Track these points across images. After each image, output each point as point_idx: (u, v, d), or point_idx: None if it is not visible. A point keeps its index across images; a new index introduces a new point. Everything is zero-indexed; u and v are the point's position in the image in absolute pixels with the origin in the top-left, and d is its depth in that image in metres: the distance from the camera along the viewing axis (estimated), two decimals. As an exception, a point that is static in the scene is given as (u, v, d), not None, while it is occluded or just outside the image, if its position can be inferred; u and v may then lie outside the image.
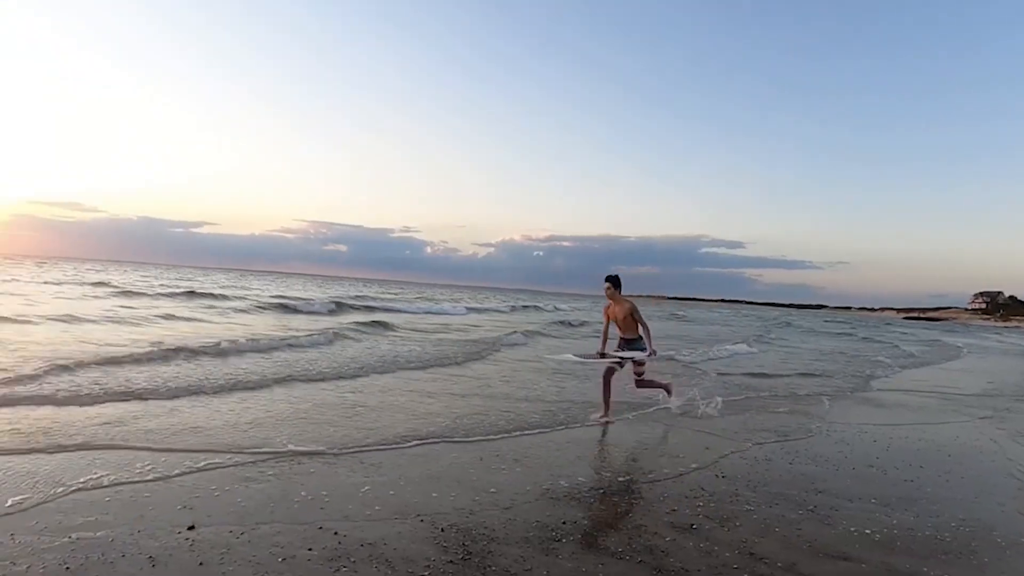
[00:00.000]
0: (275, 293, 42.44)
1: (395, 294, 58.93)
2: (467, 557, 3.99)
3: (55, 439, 5.98)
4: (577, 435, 7.55)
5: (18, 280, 36.81)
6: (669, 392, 9.21)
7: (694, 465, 6.41)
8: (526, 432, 7.45)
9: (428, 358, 13.87)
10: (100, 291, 31.82)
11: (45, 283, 36.75)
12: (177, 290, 36.72)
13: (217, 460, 5.69)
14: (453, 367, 12.85)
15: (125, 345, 12.42)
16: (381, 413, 7.97)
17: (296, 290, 51.13)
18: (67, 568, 3.61)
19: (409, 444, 6.64)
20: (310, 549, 4.01)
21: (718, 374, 14.17)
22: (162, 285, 42.60)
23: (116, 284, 39.32)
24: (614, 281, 8.55)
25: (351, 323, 21.40)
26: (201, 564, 3.73)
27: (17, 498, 4.57)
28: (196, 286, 44.27)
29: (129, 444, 5.98)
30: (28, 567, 3.59)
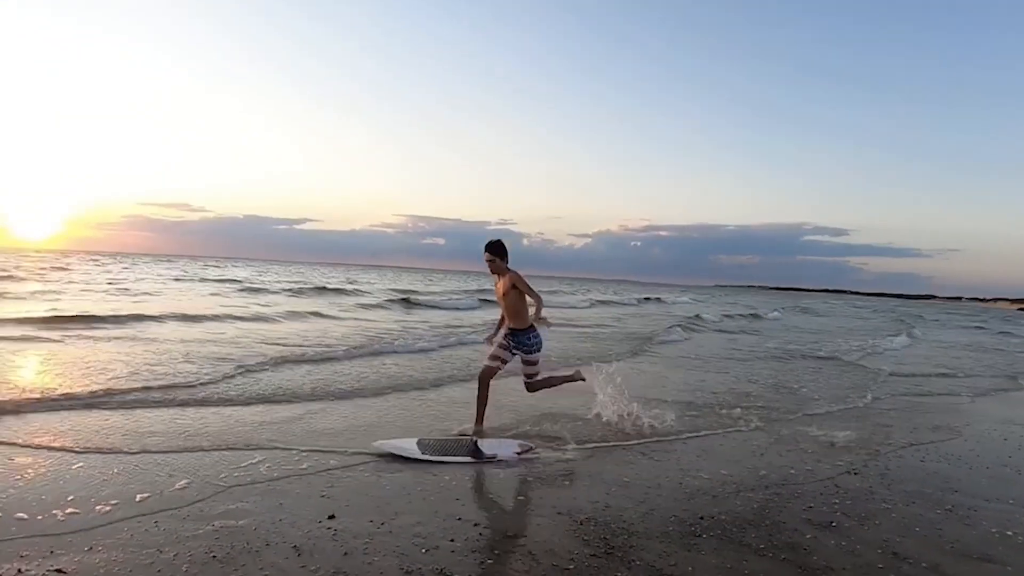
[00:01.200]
0: (398, 287, 43.18)
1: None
2: (609, 551, 3.84)
3: (212, 438, 6.04)
4: (713, 436, 7.15)
5: (144, 279, 37.82)
6: (579, 377, 7.26)
7: (826, 462, 6.12)
8: (674, 437, 6.96)
9: (587, 354, 13.65)
10: (226, 288, 32.95)
11: (176, 280, 38.11)
12: (306, 285, 37.62)
13: (360, 455, 5.67)
14: (614, 364, 12.46)
15: (283, 344, 12.67)
16: (525, 410, 7.71)
17: (414, 284, 51.71)
18: (213, 556, 3.59)
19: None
20: (452, 540, 3.93)
21: (890, 374, 13.25)
22: (289, 281, 43.58)
23: (237, 280, 40.62)
24: (495, 249, 6.65)
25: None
26: (346, 554, 3.67)
27: (162, 491, 4.62)
28: (312, 281, 45.17)
29: (279, 444, 5.94)
30: (175, 555, 3.58)
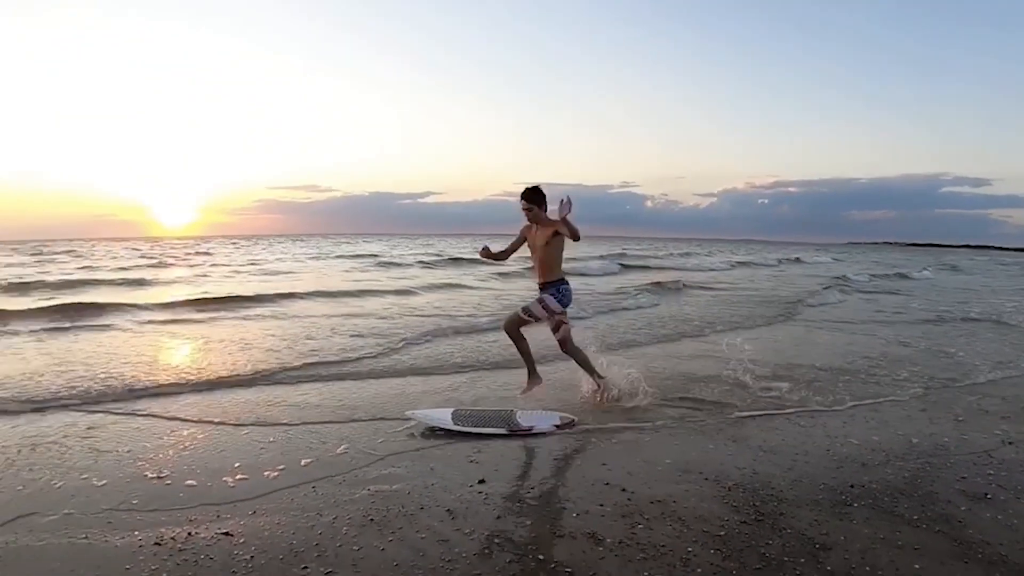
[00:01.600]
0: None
1: (641, 250, 57.48)
2: (760, 519, 3.79)
3: (367, 408, 6.29)
4: (864, 403, 6.77)
5: (283, 259, 39.18)
6: (594, 374, 6.64)
7: (980, 431, 5.75)
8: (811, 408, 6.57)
9: (734, 319, 13.51)
10: (362, 263, 33.76)
11: (314, 258, 39.28)
12: (438, 257, 38.02)
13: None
14: (761, 328, 12.37)
15: (428, 316, 12.95)
16: (675, 377, 7.67)
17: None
18: (371, 519, 3.74)
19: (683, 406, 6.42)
20: (601, 505, 3.97)
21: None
22: (420, 253, 44.02)
23: (372, 254, 41.68)
24: (533, 196, 6.13)
25: (647, 283, 20.99)
26: (498, 517, 3.78)
27: (319, 458, 4.87)
28: (444, 252, 45.38)
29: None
30: (335, 518, 3.76)
